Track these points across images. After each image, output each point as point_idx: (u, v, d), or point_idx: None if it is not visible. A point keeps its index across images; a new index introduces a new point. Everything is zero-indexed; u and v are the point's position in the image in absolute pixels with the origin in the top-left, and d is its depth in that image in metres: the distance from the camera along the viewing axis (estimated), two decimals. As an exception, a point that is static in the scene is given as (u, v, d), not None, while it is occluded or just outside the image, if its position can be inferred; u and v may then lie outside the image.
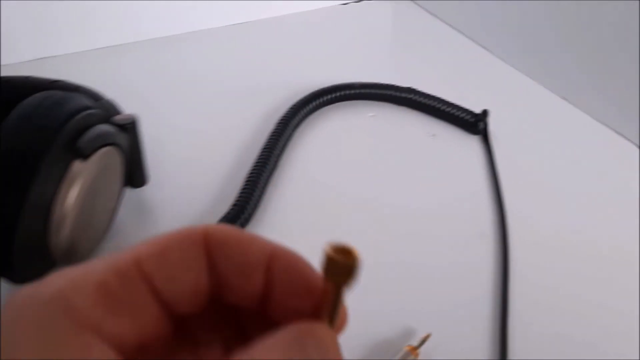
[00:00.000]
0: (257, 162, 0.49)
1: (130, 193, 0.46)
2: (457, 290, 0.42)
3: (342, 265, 0.18)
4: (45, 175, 0.35)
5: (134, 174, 0.45)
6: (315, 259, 0.20)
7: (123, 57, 0.66)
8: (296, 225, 0.46)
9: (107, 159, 0.39)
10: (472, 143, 0.55)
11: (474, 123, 0.55)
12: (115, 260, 0.18)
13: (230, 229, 0.19)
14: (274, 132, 0.52)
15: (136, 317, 0.17)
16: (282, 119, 0.54)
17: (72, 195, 0.36)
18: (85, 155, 0.36)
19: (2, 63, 0.61)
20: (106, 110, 0.44)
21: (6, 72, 0.51)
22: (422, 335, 0.37)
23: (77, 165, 0.36)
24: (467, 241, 0.46)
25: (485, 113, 0.55)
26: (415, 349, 0.36)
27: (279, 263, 0.19)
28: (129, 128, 0.43)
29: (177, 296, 0.18)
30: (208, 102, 0.60)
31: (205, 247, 0.19)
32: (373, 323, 0.39)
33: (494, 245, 0.45)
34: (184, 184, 0.50)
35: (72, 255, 0.38)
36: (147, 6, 0.67)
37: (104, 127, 0.39)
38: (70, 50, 0.65)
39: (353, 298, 0.38)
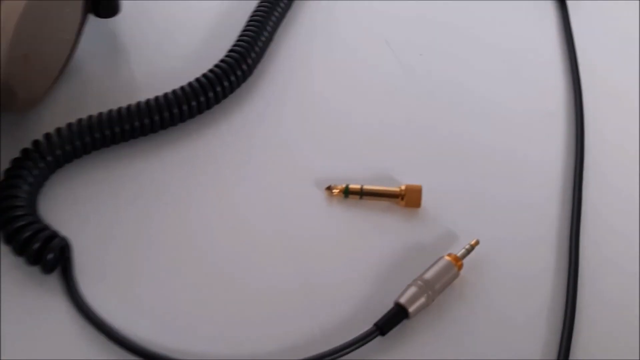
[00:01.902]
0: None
1: (95, 23, 0.35)
2: (517, 184, 0.32)
3: None
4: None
5: (101, -3, 0.34)
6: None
7: None
8: (309, 81, 0.36)
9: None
10: (545, 7, 0.43)
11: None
12: None
13: None
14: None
15: None
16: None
17: (9, 10, 0.26)
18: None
19: None
20: None
21: None
22: (468, 242, 0.28)
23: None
24: (534, 122, 0.35)
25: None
26: (459, 259, 0.28)
27: None
28: None
29: None
30: None
31: None
32: (403, 223, 0.30)
33: (565, 126, 0.35)
34: (167, 19, 0.38)
35: (13, 91, 0.28)
36: None
37: None
38: None
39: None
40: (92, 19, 0.34)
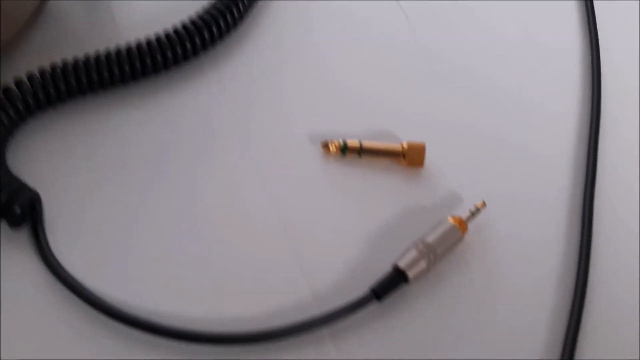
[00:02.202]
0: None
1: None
2: (527, 144, 0.30)
3: None
4: None
5: None
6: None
7: None
8: (305, 30, 0.33)
9: None
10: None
11: None
12: None
13: None
14: None
15: None
16: None
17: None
18: None
19: None
20: None
21: None
22: (473, 204, 0.26)
23: None
24: (546, 80, 0.33)
25: None
26: (463, 222, 0.25)
27: None
28: None
29: None
30: None
31: None
32: (405, 183, 0.28)
33: (580, 102, 0.32)
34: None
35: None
36: None
37: None
38: None
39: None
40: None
